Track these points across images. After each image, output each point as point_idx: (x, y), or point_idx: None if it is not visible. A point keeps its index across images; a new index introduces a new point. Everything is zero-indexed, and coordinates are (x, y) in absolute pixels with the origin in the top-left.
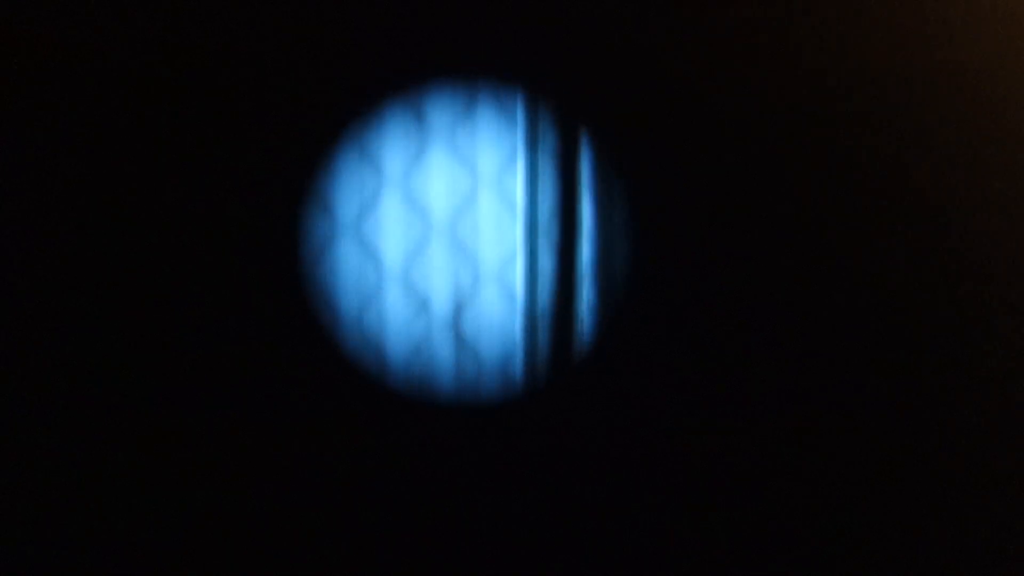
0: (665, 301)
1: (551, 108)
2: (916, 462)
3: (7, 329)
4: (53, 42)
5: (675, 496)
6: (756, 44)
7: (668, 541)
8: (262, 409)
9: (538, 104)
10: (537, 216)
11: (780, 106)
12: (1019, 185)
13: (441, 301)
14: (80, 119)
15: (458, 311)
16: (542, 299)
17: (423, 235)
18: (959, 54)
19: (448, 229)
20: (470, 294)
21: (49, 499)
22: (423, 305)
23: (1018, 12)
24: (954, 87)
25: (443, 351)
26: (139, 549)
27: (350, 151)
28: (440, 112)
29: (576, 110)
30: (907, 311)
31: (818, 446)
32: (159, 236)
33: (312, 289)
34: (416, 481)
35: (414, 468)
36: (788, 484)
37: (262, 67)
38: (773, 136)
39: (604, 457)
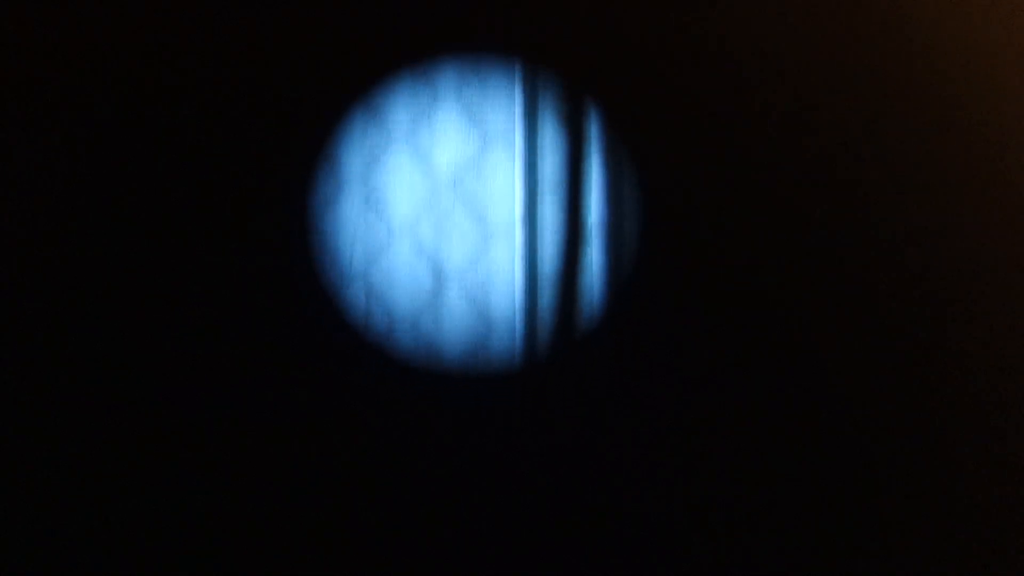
0: (672, 271)
1: (556, 73)
2: (915, 462)
3: (8, 329)
4: (53, 43)
5: (675, 472)
6: (765, 23)
7: (667, 524)
8: (267, 380)
9: (542, 70)
10: (541, 177)
11: (791, 90)
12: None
13: (447, 260)
14: (73, 102)
15: (463, 271)
16: (547, 262)
17: (431, 192)
18: (963, 51)
19: (454, 187)
20: (475, 254)
21: (49, 499)
22: (430, 264)
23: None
24: (961, 87)
25: (449, 312)
26: (140, 544)
27: (358, 110)
28: (445, 76)
29: (581, 76)
30: (915, 310)
31: (819, 435)
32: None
33: (318, 248)
34: (418, 450)
35: (416, 435)
36: (788, 473)
37: (268, 30)
38: (784, 111)
39: (606, 430)
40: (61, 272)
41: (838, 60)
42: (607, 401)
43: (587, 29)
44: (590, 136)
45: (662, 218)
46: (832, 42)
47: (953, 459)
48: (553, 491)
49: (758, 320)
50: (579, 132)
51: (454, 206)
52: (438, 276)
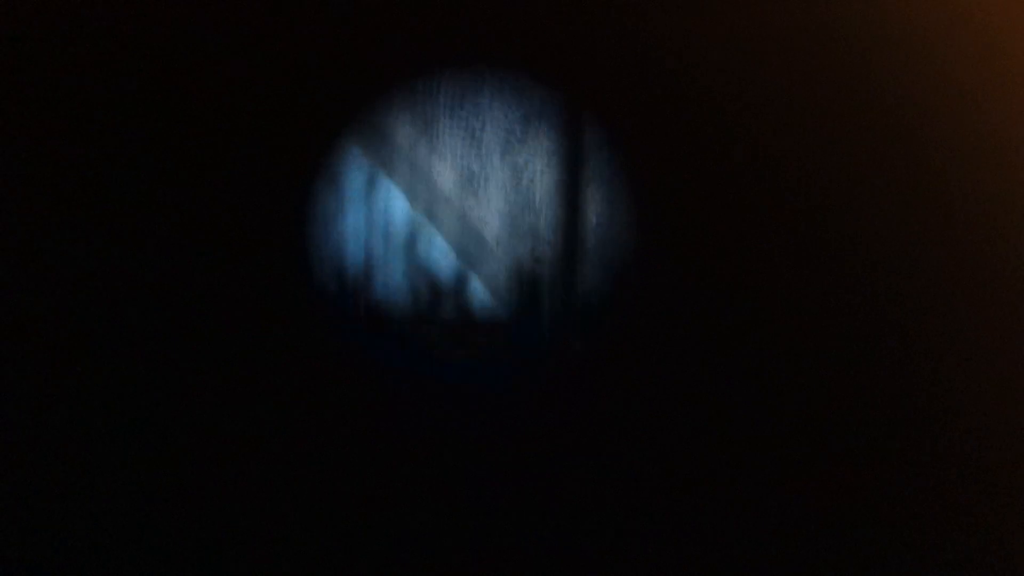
0: (667, 279)
1: (553, 95)
2: (909, 463)
3: (8, 329)
4: (53, 43)
5: (661, 478)
6: (758, 37)
7: (666, 527)
8: (267, 384)
9: (540, 91)
10: (539, 188)
11: (785, 102)
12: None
13: (445, 269)
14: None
15: (460, 283)
16: (546, 272)
17: (430, 203)
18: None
19: (453, 202)
20: (469, 266)
21: (46, 500)
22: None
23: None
24: (960, 87)
25: (442, 319)
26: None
27: (358, 123)
28: (443, 89)
29: (578, 97)
30: (908, 312)
31: (817, 433)
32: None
33: (318, 255)
34: (420, 451)
35: (419, 437)
36: (785, 472)
37: (267, 51)
38: (778, 130)
39: (594, 441)
40: (58, 274)
41: (833, 71)
42: (603, 404)
43: (584, 42)
44: (588, 147)
45: (658, 226)
46: (827, 54)
47: (946, 461)
48: (552, 488)
49: (752, 323)
50: (577, 143)
51: (452, 217)
52: (436, 286)
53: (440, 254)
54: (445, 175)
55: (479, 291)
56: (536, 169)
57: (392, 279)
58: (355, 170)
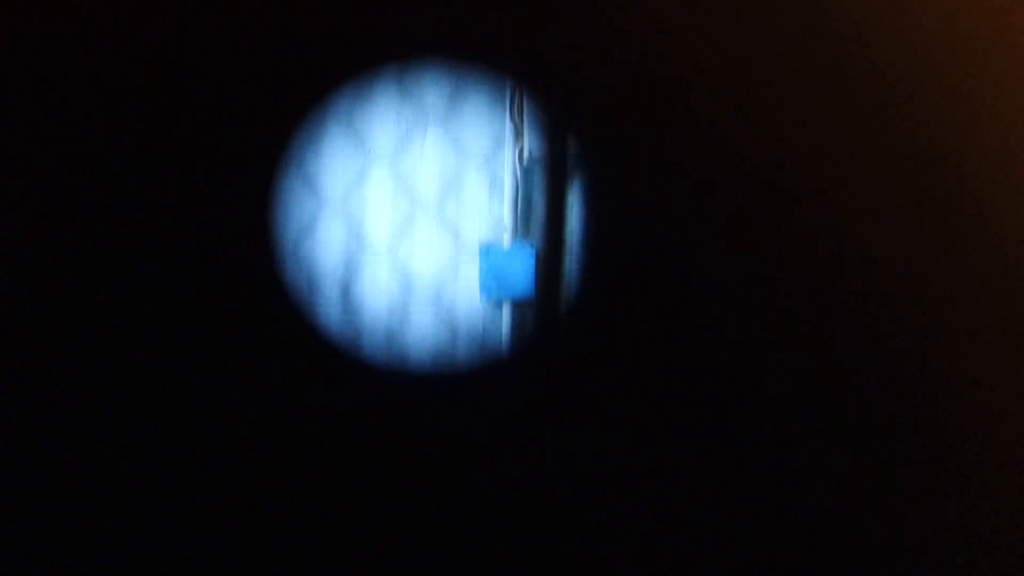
0: (651, 283)
1: (540, 92)
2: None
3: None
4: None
5: (653, 470)
6: (743, 37)
7: (646, 515)
8: (242, 382)
9: (526, 88)
10: (526, 194)
11: (782, 103)
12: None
13: (424, 274)
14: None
15: (441, 285)
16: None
17: (409, 212)
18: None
19: (435, 206)
20: (454, 269)
21: (49, 499)
22: (406, 278)
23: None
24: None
25: (424, 323)
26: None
27: (337, 128)
28: (429, 92)
29: (563, 94)
30: (918, 311)
31: (805, 422)
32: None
33: (294, 267)
34: (395, 449)
35: (392, 435)
36: (781, 477)
37: (250, 43)
38: (774, 133)
39: (583, 432)
40: (38, 277)
41: (832, 73)
42: (587, 404)
43: (572, 49)
44: (572, 154)
45: (640, 230)
46: (826, 55)
47: (945, 462)
48: (537, 492)
49: (748, 323)
50: (562, 150)
51: (434, 221)
52: (410, 288)
53: (423, 256)
54: (426, 178)
55: (466, 290)
56: (519, 171)
57: (377, 279)
58: (337, 169)
